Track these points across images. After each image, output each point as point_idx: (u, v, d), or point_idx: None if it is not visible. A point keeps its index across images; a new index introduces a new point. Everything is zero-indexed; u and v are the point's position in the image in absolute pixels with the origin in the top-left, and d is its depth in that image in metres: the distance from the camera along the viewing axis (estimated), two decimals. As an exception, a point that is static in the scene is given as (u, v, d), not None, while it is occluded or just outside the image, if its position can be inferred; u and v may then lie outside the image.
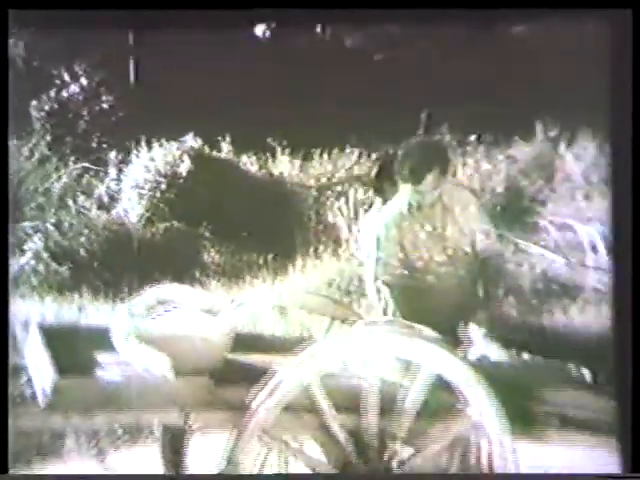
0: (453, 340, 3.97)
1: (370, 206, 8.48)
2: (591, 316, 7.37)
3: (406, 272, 4.29)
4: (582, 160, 9.77)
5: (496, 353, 3.86)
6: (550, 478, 3.91)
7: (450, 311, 4.22)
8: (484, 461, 3.60)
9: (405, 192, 4.29)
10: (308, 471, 3.81)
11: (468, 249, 4.33)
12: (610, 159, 4.01)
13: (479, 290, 4.33)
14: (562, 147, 10.00)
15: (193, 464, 3.69)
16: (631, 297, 3.83)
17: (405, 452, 3.48)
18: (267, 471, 3.99)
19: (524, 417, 3.55)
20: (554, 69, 10.63)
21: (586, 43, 10.52)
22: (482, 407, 3.43)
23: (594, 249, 8.23)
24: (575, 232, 8.57)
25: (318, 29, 13.35)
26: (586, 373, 3.94)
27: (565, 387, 3.76)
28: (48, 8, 3.78)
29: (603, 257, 8.06)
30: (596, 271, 7.95)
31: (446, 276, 4.30)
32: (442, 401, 3.47)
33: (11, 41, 11.39)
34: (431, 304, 4.21)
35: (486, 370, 3.54)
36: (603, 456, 4.35)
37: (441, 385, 3.43)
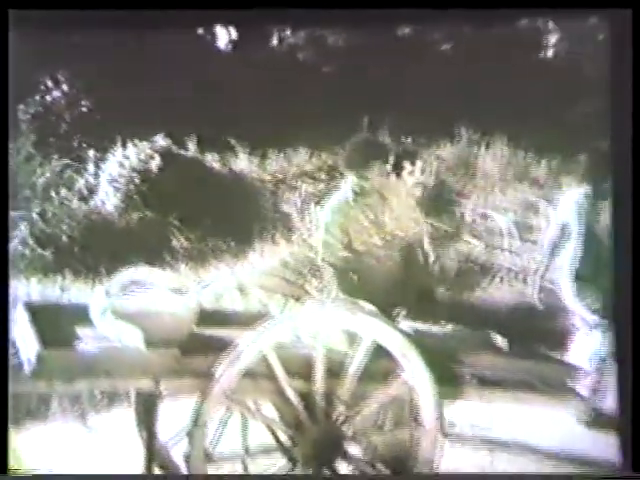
0: (390, 314, 4.05)
1: (318, 198, 8.53)
2: (506, 292, 7.47)
3: (349, 254, 4.33)
4: (497, 160, 9.89)
5: (425, 325, 3.92)
6: (550, 478, 3.76)
7: (387, 289, 4.28)
8: (415, 417, 3.67)
9: (350, 180, 4.34)
10: (265, 430, 3.86)
11: (402, 234, 4.39)
12: (610, 159, 3.77)
13: (411, 271, 4.39)
14: (482, 149, 10.11)
15: (164, 426, 3.67)
16: (631, 297, 3.66)
17: (349, 412, 3.54)
18: (229, 430, 4.02)
19: (449, 379, 3.63)
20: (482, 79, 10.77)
21: (586, 43, 10.68)
22: (415, 371, 3.50)
23: (509, 235, 8.33)
24: (493, 220, 8.67)
25: (275, 41, 13.29)
26: (501, 340, 4.03)
27: (483, 352, 3.84)
28: (48, 8, 3.53)
29: (516, 242, 8.19)
30: (510, 254, 8.06)
31: (383, 258, 4.35)
32: (381, 367, 3.54)
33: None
34: (371, 283, 4.27)
35: (417, 339, 3.62)
36: (518, 409, 4.47)
37: (380, 353, 3.50)
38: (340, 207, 4.35)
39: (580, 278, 5.21)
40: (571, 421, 4.61)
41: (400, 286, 4.28)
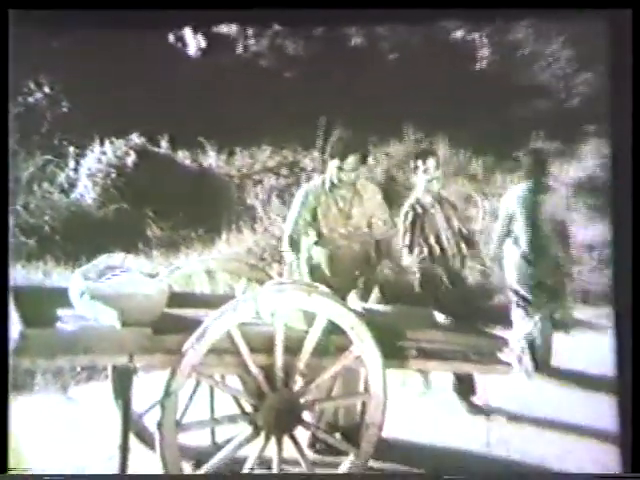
0: (345, 295, 4.05)
1: (280, 191, 8.49)
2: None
3: (315, 237, 4.31)
4: (439, 157, 9.95)
5: (375, 304, 3.94)
6: (550, 478, 3.61)
7: (344, 273, 4.27)
8: (364, 385, 3.70)
9: (329, 169, 4.30)
10: (230, 399, 3.85)
11: (366, 230, 4.36)
12: (610, 158, 3.51)
13: (369, 260, 4.36)
14: (425, 147, 10.16)
15: (138, 397, 3.65)
16: (631, 298, 3.46)
17: (305, 382, 3.55)
18: (196, 399, 4.00)
19: (394, 352, 3.65)
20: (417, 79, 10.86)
21: (586, 43, 10.70)
22: (363, 345, 3.52)
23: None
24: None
25: (240, 49, 13.28)
26: (439, 316, 4.06)
27: (424, 327, 3.86)
28: (48, 8, 3.34)
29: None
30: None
31: (344, 247, 4.32)
32: (334, 342, 3.56)
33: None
34: (332, 266, 4.25)
35: (367, 317, 3.64)
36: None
37: (333, 329, 3.52)
38: (315, 190, 4.32)
39: (523, 261, 5.36)
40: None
41: (355, 272, 4.25)
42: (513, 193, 5.69)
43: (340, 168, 4.23)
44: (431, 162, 4.94)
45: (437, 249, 4.73)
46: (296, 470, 3.60)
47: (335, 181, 4.28)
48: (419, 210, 4.76)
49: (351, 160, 4.24)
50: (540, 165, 5.63)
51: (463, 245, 4.79)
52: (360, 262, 4.36)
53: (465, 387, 4.50)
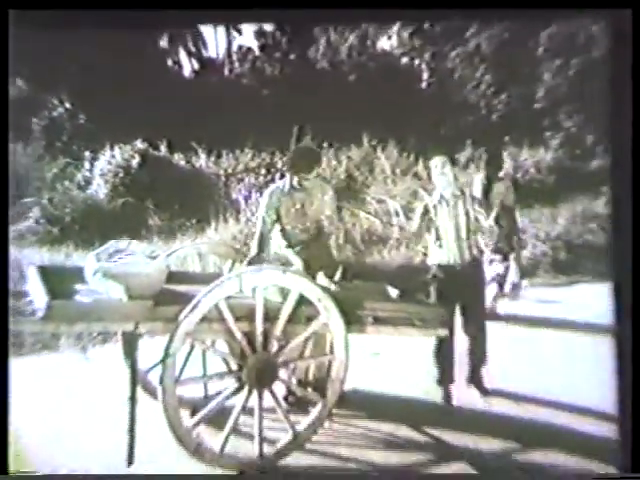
0: (315, 274, 3.98)
1: (259, 188, 8.40)
2: (395, 255, 7.54)
3: (279, 232, 4.24)
4: (390, 159, 9.97)
5: (337, 280, 3.88)
6: (551, 478, 3.27)
7: (307, 258, 4.15)
8: (329, 348, 3.66)
9: (290, 178, 4.21)
10: (219, 359, 3.80)
11: (316, 225, 4.26)
12: (610, 158, 3.06)
13: (326, 247, 4.27)
14: (379, 151, 10.18)
15: (143, 357, 3.58)
16: (631, 298, 3.00)
17: (281, 345, 3.51)
18: (191, 360, 3.95)
19: (354, 319, 3.61)
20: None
21: (586, 43, 10.66)
22: (329, 314, 3.48)
23: (397, 214, 8.40)
24: (387, 204, 8.72)
25: (226, 72, 13.29)
26: (391, 289, 4.03)
27: (378, 299, 3.83)
28: (48, 8, 2.97)
29: (402, 219, 8.26)
30: (399, 228, 8.13)
31: (301, 239, 4.23)
32: (304, 312, 3.52)
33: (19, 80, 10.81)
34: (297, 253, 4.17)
35: (332, 291, 3.60)
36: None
37: (303, 301, 3.47)
38: (278, 193, 4.24)
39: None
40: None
41: (314, 256, 4.15)
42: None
43: (304, 178, 4.14)
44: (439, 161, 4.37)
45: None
46: (272, 416, 3.55)
47: (296, 186, 4.18)
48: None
49: (304, 163, 4.16)
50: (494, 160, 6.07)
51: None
52: (316, 249, 4.24)
53: (445, 376, 4.27)
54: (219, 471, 3.35)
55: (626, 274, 2.97)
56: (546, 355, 4.93)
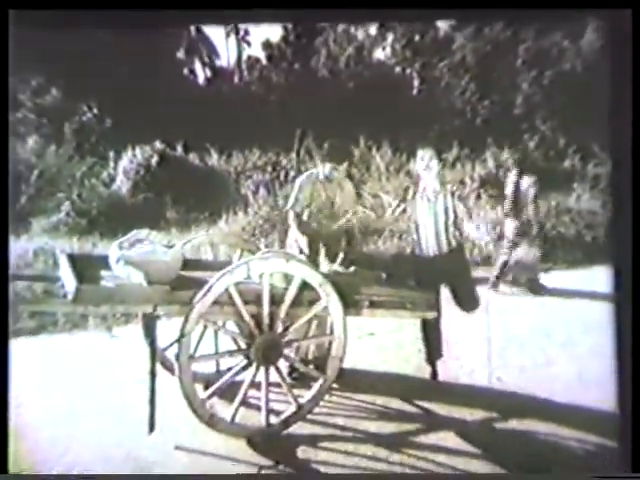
0: (317, 260, 3.94)
1: (266, 184, 8.34)
2: (389, 246, 7.50)
3: (305, 217, 4.18)
4: (384, 158, 9.90)
5: (338, 267, 3.84)
6: (550, 478, 3.08)
7: (322, 244, 4.09)
8: (328, 328, 3.64)
9: (323, 167, 4.14)
10: (229, 339, 3.77)
11: (341, 217, 4.21)
12: (610, 158, 2.79)
13: (340, 237, 4.22)
14: (374, 151, 10.11)
15: (162, 336, 3.56)
16: (631, 299, 2.77)
17: (285, 326, 3.48)
18: (204, 341, 3.93)
19: (351, 303, 3.59)
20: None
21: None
22: (328, 298, 3.46)
23: (391, 208, 8.35)
24: (381, 198, 8.66)
25: (236, 79, 13.24)
26: (386, 276, 3.99)
27: (374, 285, 3.79)
28: (48, 8, 2.75)
29: (397, 213, 8.20)
30: (392, 220, 8.06)
31: (324, 226, 4.18)
32: (307, 296, 3.49)
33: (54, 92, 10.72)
34: (315, 239, 4.11)
35: (331, 277, 3.57)
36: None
37: (306, 286, 3.44)
38: (312, 180, 4.18)
39: None
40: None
41: (330, 244, 4.10)
42: None
43: (334, 168, 4.09)
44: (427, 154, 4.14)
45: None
46: (278, 390, 3.53)
47: (329, 176, 4.13)
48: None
49: (344, 164, 4.13)
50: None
51: None
52: (332, 238, 4.19)
53: (432, 352, 4.16)
54: (231, 440, 3.33)
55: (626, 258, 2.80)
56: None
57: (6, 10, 2.70)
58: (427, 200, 4.04)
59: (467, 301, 4.14)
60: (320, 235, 4.11)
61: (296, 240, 4.09)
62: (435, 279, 4.06)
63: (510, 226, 6.07)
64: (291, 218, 4.16)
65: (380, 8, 2.90)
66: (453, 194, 4.06)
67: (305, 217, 4.16)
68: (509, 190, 6.07)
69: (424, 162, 4.05)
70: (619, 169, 2.81)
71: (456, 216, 4.02)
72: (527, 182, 5.99)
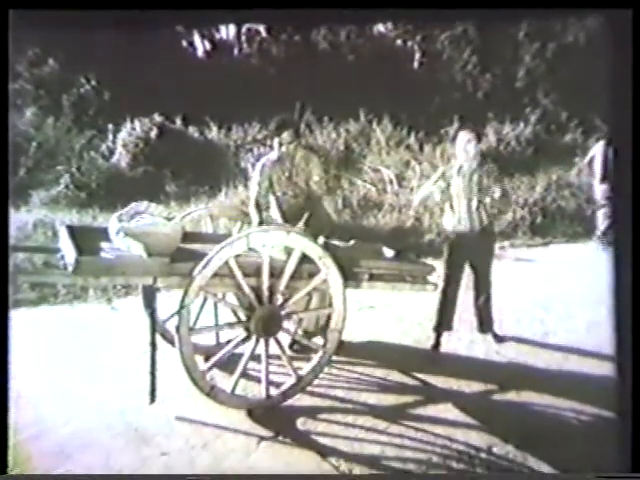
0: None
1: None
2: (389, 219, 7.46)
3: (271, 197, 4.16)
4: (383, 133, 9.80)
5: (337, 241, 3.81)
6: (550, 478, 3.00)
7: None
8: (327, 300, 3.62)
9: (276, 147, 4.11)
10: (229, 311, 3.75)
11: (306, 189, 4.16)
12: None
13: (318, 209, 4.18)
14: (374, 125, 10.00)
15: (162, 308, 3.55)
16: (631, 300, 2.67)
17: (285, 299, 3.47)
18: (204, 313, 3.92)
19: (351, 275, 3.57)
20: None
21: (586, 43, 10.44)
22: (328, 271, 3.43)
23: (391, 182, 8.29)
24: (381, 173, 8.60)
25: (236, 52, 13.08)
26: (385, 249, 3.96)
27: (374, 258, 3.77)
28: (48, 8, 2.72)
29: (396, 187, 8.16)
30: (392, 194, 8.02)
31: (292, 204, 4.14)
32: (306, 269, 3.47)
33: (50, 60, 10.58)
34: (289, 217, 4.07)
35: (331, 249, 3.54)
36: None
37: (306, 259, 3.42)
38: (270, 163, 4.15)
39: None
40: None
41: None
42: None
43: (280, 143, 4.04)
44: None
45: None
46: (277, 362, 3.52)
47: (281, 155, 4.08)
48: None
49: (285, 135, 4.05)
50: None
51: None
52: (309, 212, 4.14)
53: (444, 323, 4.15)
54: (231, 411, 3.34)
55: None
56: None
57: (6, 10, 2.65)
58: (462, 177, 4.02)
59: (481, 281, 4.13)
60: (293, 214, 4.08)
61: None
62: (462, 256, 4.04)
63: (599, 189, 6.59)
64: (251, 208, 4.17)
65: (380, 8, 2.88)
66: (489, 174, 4.07)
67: (274, 201, 4.14)
68: (599, 158, 6.53)
69: (462, 143, 4.03)
70: (619, 169, 2.77)
71: (490, 196, 4.04)
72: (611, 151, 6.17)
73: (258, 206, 4.14)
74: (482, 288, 4.14)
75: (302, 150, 4.23)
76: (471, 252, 4.06)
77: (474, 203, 4.00)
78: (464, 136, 4.05)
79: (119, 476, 2.83)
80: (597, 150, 6.70)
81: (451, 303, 4.09)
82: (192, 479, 2.89)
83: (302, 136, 4.40)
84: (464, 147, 4.02)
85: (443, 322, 4.12)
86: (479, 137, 4.19)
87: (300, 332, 3.89)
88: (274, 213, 4.16)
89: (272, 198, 4.17)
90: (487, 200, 4.03)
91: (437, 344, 4.15)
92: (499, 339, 4.23)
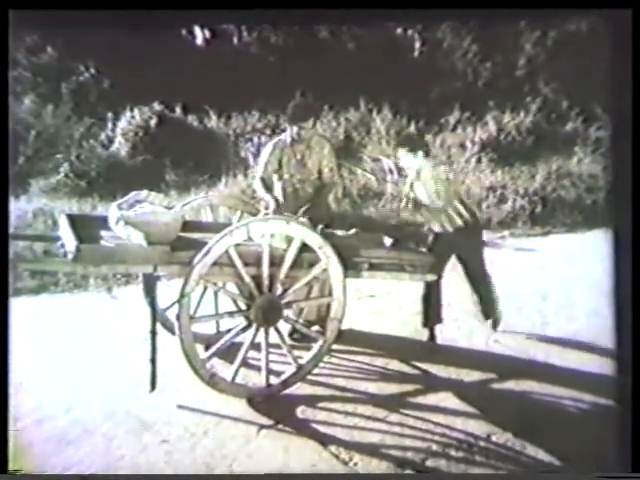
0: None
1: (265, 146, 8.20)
2: (389, 209, 7.45)
3: (280, 182, 4.15)
4: (384, 122, 9.72)
5: (338, 230, 3.80)
6: (550, 478, 2.96)
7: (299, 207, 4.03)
8: (327, 290, 3.61)
9: (290, 130, 4.08)
10: (229, 300, 3.75)
11: (317, 175, 4.16)
12: (610, 157, 2.71)
13: (323, 198, 4.17)
14: (374, 114, 9.94)
15: (162, 296, 3.56)
16: (631, 290, 2.65)
17: (285, 288, 3.46)
18: (204, 302, 3.91)
19: (351, 265, 3.56)
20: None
21: (587, 31, 10.33)
22: (328, 260, 3.43)
23: (391, 172, 8.25)
24: (381, 162, 8.55)
25: (235, 40, 13.00)
26: (386, 239, 3.95)
27: (373, 247, 3.76)
28: (48, 8, 2.71)
29: (396, 176, 8.12)
30: (392, 184, 7.98)
31: (300, 190, 4.13)
32: (307, 258, 3.46)
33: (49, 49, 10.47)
34: (292, 204, 4.06)
35: (331, 238, 3.53)
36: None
37: (306, 248, 3.41)
38: (280, 146, 4.13)
39: None
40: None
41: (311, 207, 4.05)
42: None
43: (301, 127, 4.02)
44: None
45: None
46: (278, 351, 3.52)
47: (295, 137, 4.06)
48: None
49: (309, 122, 4.04)
50: None
51: None
52: (313, 199, 4.13)
53: (432, 317, 4.11)
54: (231, 399, 3.34)
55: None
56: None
57: (6, 10, 2.63)
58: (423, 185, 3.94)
59: (476, 277, 4.10)
60: (297, 198, 4.07)
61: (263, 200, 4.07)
62: (444, 251, 3.97)
63: None
64: (256, 183, 4.15)
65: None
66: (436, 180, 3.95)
67: (279, 183, 4.12)
68: None
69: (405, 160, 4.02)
70: (619, 169, 2.72)
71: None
72: None
73: (266, 185, 4.09)
74: (477, 281, 4.11)
75: (318, 135, 4.23)
76: (454, 247, 3.99)
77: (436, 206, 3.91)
78: (402, 155, 4.00)
79: (119, 476, 2.83)
80: None
81: (435, 297, 4.02)
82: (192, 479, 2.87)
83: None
84: (407, 163, 4.00)
85: (432, 316, 4.07)
86: (427, 151, 4.09)
87: (301, 321, 3.89)
88: (277, 196, 4.12)
89: (277, 181, 4.14)
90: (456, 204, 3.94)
91: (432, 337, 4.12)
92: (496, 323, 4.20)
